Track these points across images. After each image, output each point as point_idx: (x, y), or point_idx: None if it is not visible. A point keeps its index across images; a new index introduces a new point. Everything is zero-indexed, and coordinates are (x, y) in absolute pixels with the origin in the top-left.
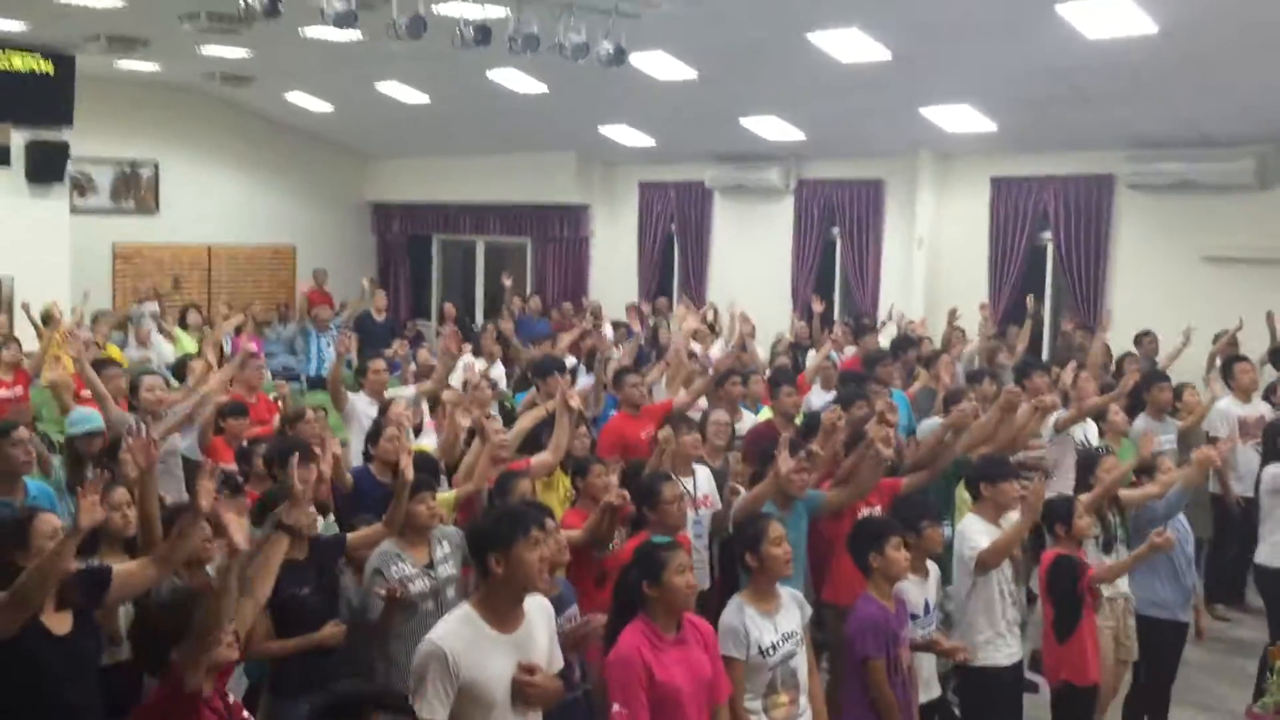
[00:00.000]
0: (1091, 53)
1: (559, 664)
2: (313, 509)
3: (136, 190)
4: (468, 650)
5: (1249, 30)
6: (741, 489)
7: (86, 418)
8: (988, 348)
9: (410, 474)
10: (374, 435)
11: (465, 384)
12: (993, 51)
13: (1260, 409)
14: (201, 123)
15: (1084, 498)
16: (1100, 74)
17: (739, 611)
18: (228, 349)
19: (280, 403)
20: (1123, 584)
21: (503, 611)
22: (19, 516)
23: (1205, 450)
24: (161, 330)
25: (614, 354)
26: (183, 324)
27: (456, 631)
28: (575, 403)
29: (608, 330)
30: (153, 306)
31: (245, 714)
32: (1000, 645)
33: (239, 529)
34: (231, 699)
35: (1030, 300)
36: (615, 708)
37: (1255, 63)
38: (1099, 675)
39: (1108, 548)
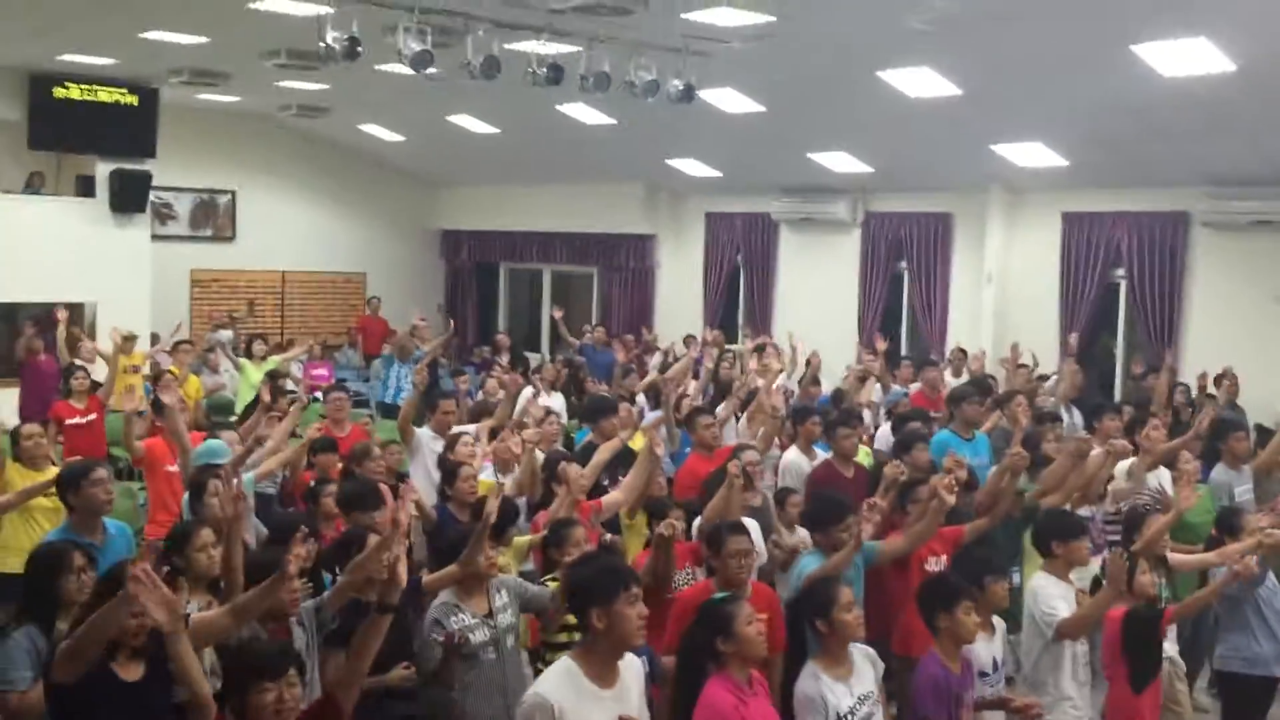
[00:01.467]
0: (1167, 90)
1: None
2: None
3: (214, 218)
4: (572, 703)
5: None
6: (790, 538)
7: (213, 451)
8: (1028, 389)
9: (494, 516)
10: (450, 474)
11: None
12: (1065, 88)
13: None
14: (278, 152)
15: (1134, 550)
16: (1175, 111)
17: (815, 680)
18: (298, 374)
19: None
20: (1169, 647)
21: (602, 666)
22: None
23: (1276, 533)
24: (228, 356)
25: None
26: (248, 353)
27: (561, 684)
28: (661, 450)
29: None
30: (228, 334)
31: None
32: (1068, 709)
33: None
34: None
35: (1072, 339)
36: None
37: None
38: None
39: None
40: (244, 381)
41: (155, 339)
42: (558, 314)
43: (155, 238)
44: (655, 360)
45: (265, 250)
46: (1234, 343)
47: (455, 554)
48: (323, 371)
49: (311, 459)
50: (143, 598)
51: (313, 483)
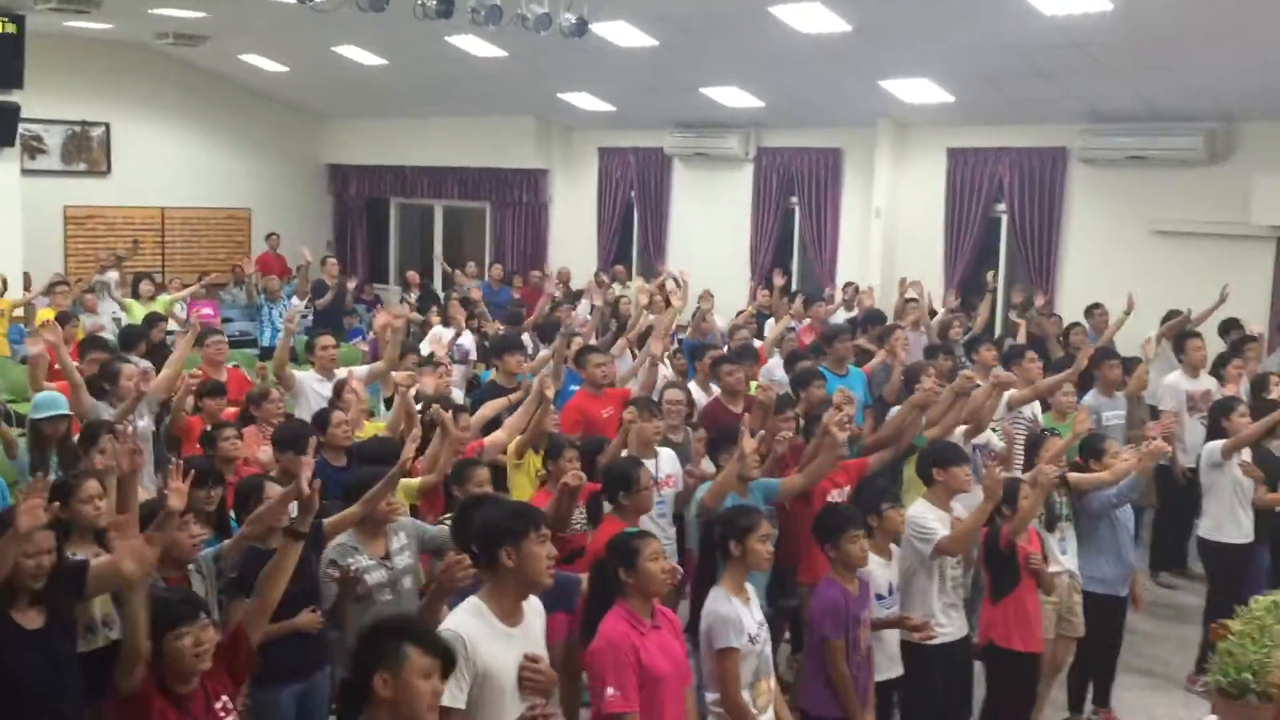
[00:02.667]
0: (1048, 28)
1: (547, 657)
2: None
3: (88, 151)
4: (483, 640)
5: (1201, 8)
6: (705, 467)
7: (51, 402)
8: (942, 321)
9: (409, 464)
10: (322, 420)
11: (432, 356)
12: (952, 26)
13: (1207, 384)
14: (154, 83)
15: (1025, 478)
16: (1056, 49)
17: (728, 601)
18: (182, 315)
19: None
20: (1069, 562)
21: (509, 605)
22: None
23: (1158, 444)
24: (112, 298)
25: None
26: (134, 293)
27: (471, 623)
28: (550, 393)
29: (584, 307)
30: (114, 275)
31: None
32: (933, 625)
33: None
34: (223, 700)
35: (990, 276)
36: (610, 691)
37: (1206, 40)
38: (1038, 647)
39: (1050, 526)
40: (130, 321)
41: (28, 280)
42: (438, 256)
43: (25, 173)
44: (583, 307)
45: (143, 185)
46: (1108, 276)
47: (354, 499)
48: (208, 311)
49: (199, 403)
50: (119, 546)
51: (209, 427)
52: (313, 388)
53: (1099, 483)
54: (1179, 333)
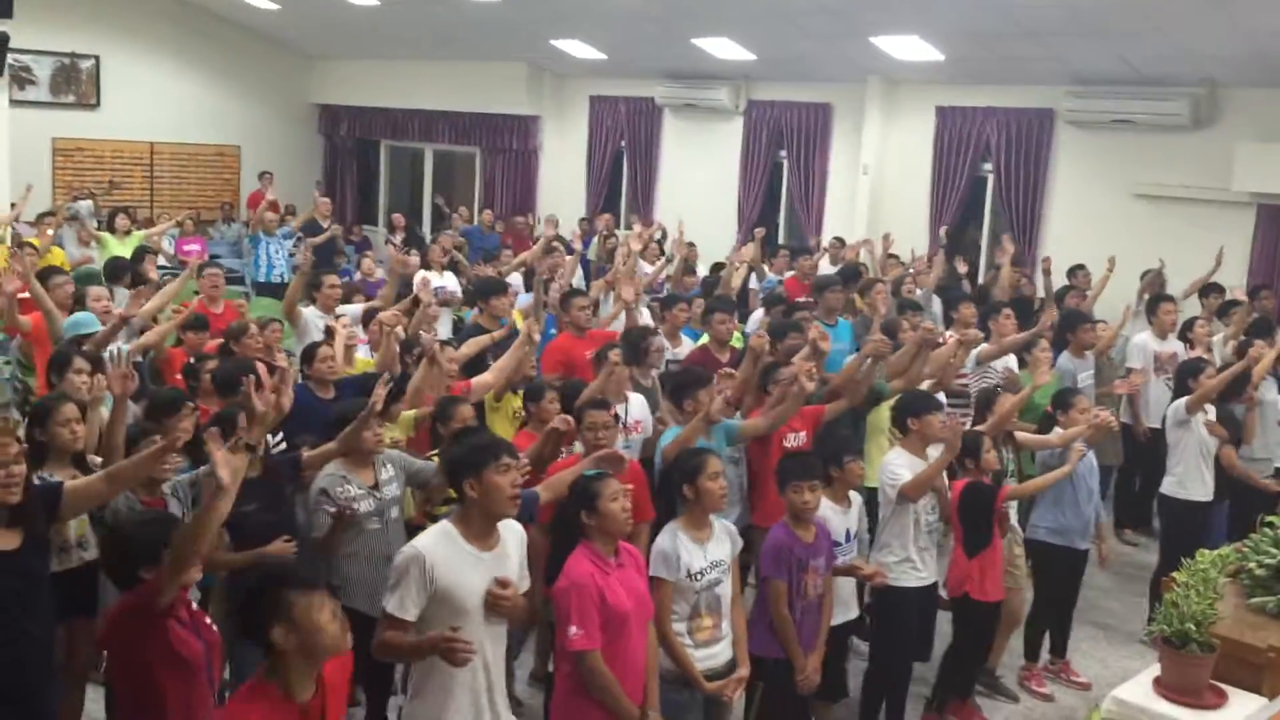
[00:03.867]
0: None
1: (527, 585)
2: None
3: (77, 84)
4: (446, 560)
5: None
6: (669, 419)
7: (85, 321)
8: (895, 280)
9: (380, 403)
10: (309, 355)
11: (416, 299)
12: None
13: (1174, 346)
14: (145, 16)
15: (982, 429)
16: (1044, 10)
17: (672, 536)
18: (170, 250)
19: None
20: (1011, 516)
21: (479, 531)
22: None
23: (1106, 415)
24: (90, 233)
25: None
26: (110, 227)
27: (437, 542)
28: (536, 335)
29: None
30: (88, 204)
31: (207, 621)
32: (909, 569)
33: (225, 467)
34: (194, 606)
35: (943, 232)
36: (573, 630)
37: (1194, 5)
38: (1001, 594)
39: (997, 481)
40: (104, 256)
41: (17, 211)
42: (440, 201)
43: (13, 103)
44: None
45: (132, 119)
46: (1090, 237)
47: (335, 431)
48: (195, 247)
49: (181, 336)
50: (217, 459)
51: (192, 359)
52: (315, 324)
53: (1044, 444)
54: (1153, 296)
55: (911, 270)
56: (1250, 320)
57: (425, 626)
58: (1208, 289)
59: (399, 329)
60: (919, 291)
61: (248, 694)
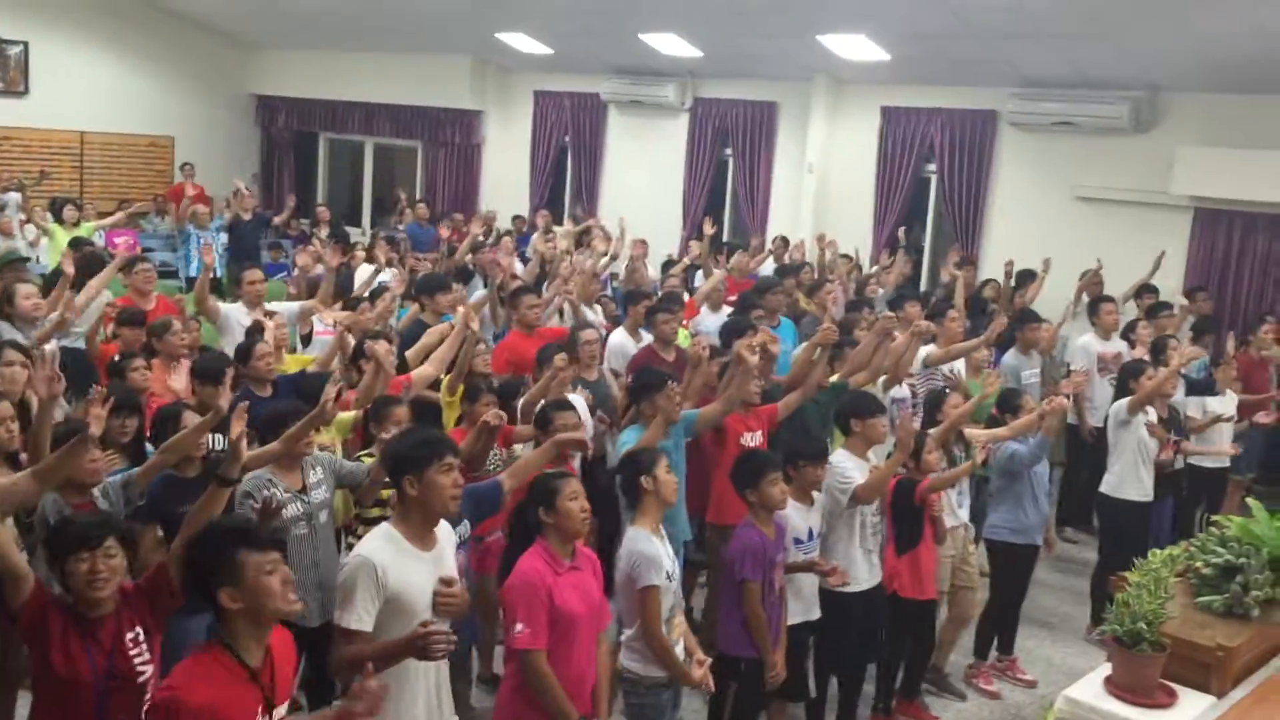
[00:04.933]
0: None
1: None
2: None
3: (4, 70)
4: (393, 563)
5: None
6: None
7: None
8: (859, 280)
9: (332, 405)
10: (245, 354)
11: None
12: None
13: (1118, 346)
14: (75, 2)
15: (933, 432)
16: (991, 11)
17: (649, 541)
18: (101, 243)
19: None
20: (963, 514)
21: (420, 531)
22: None
23: (1059, 401)
24: (31, 222)
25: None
26: (58, 218)
27: (382, 547)
28: (475, 325)
29: (516, 263)
30: (15, 196)
31: (134, 652)
32: (854, 572)
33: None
34: (136, 632)
35: (902, 232)
36: (519, 628)
37: (1138, 10)
38: (934, 593)
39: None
40: (53, 248)
41: None
42: (402, 193)
43: None
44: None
45: (62, 108)
46: (1032, 239)
47: (272, 430)
48: (126, 239)
49: (116, 331)
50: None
51: (118, 356)
52: (239, 321)
53: (995, 437)
54: (1094, 297)
55: (875, 269)
56: (1186, 322)
57: (376, 633)
58: (1141, 290)
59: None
60: (880, 291)
61: (197, 656)
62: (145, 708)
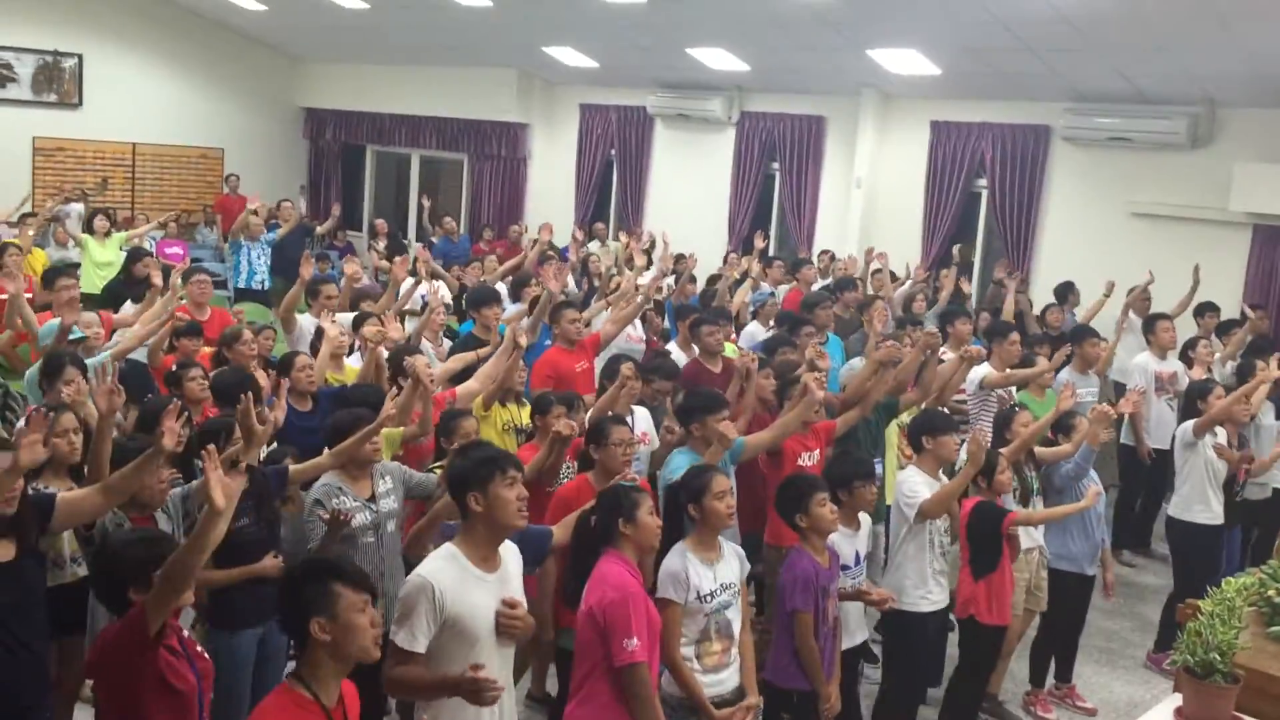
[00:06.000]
0: (1038, 4)
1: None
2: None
3: (59, 82)
4: (454, 586)
5: None
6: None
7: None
8: (907, 294)
9: (392, 416)
10: (287, 364)
11: (426, 307)
12: None
13: (1175, 366)
14: (129, 15)
15: (1003, 452)
16: (1044, 25)
17: (681, 557)
18: (153, 253)
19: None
20: (1038, 537)
21: (484, 550)
22: None
23: (1104, 407)
24: (71, 235)
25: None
26: (89, 229)
27: (444, 568)
28: (524, 341)
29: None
30: (78, 207)
31: (199, 649)
32: (924, 593)
33: (220, 489)
34: (185, 633)
35: (956, 250)
36: (633, 642)
37: (1194, 25)
38: (1009, 619)
39: (1024, 501)
40: (86, 259)
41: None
42: (427, 202)
43: None
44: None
45: (115, 120)
46: (1085, 256)
47: (325, 442)
48: (177, 250)
49: (174, 343)
50: (210, 480)
51: (175, 366)
52: (312, 331)
53: (1062, 455)
54: (1149, 316)
55: (916, 286)
56: (1247, 340)
57: (437, 654)
58: (1202, 308)
59: (383, 344)
60: (927, 309)
61: (275, 695)
62: None
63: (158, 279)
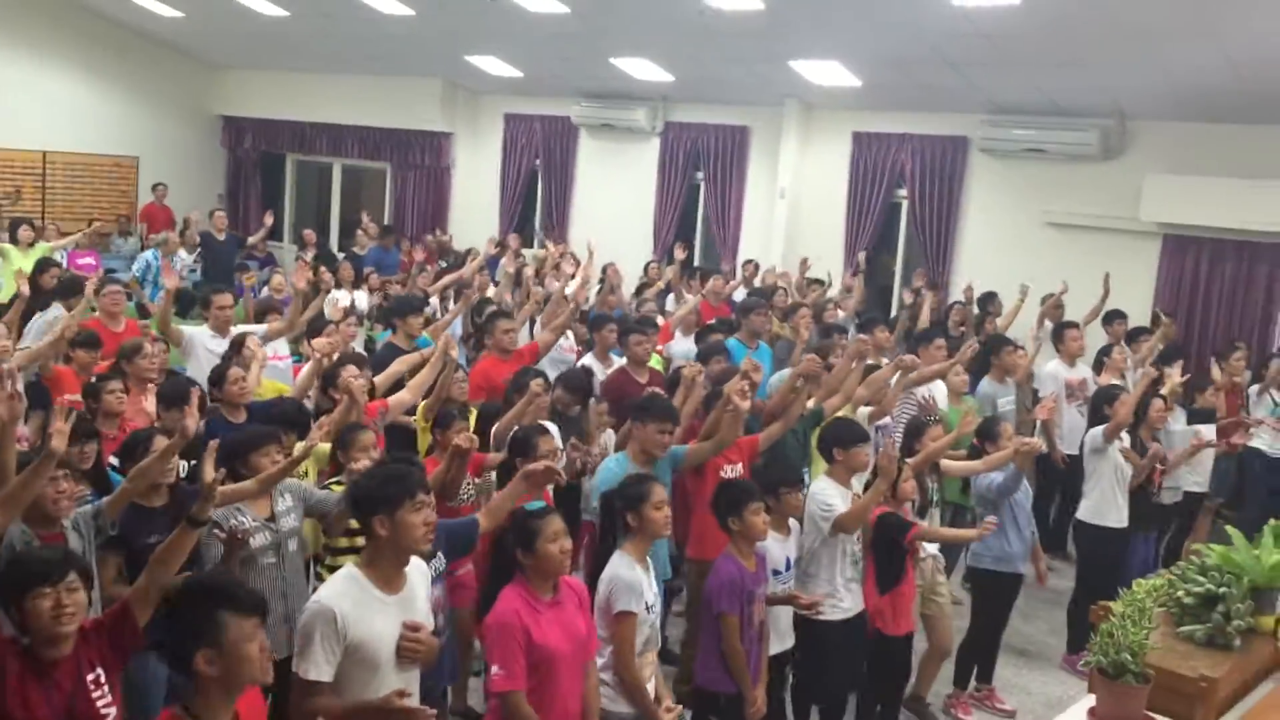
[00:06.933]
0: (956, 17)
1: (431, 624)
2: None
3: None
4: (355, 609)
5: (1104, 8)
6: (605, 440)
7: None
8: (817, 304)
9: (318, 445)
10: (218, 378)
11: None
12: (863, 10)
13: (1084, 373)
14: (38, 19)
15: (909, 462)
16: (962, 39)
17: (630, 568)
18: (64, 264)
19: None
20: (932, 547)
21: (388, 573)
22: None
23: (1034, 442)
24: None
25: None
26: (13, 239)
27: (344, 591)
28: (454, 352)
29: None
30: None
31: (97, 695)
32: (836, 601)
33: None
34: (97, 673)
35: (861, 257)
36: (495, 669)
37: (1108, 39)
38: (911, 626)
39: (922, 512)
40: (6, 270)
41: None
42: (366, 217)
43: None
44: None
45: (24, 127)
46: (1002, 264)
47: (240, 457)
48: (89, 260)
49: (70, 354)
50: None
51: (93, 379)
52: (205, 345)
53: (967, 470)
54: (1058, 324)
55: (835, 296)
56: (1158, 348)
57: (338, 682)
58: (1110, 316)
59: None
60: (841, 315)
61: None
62: None
63: (25, 290)
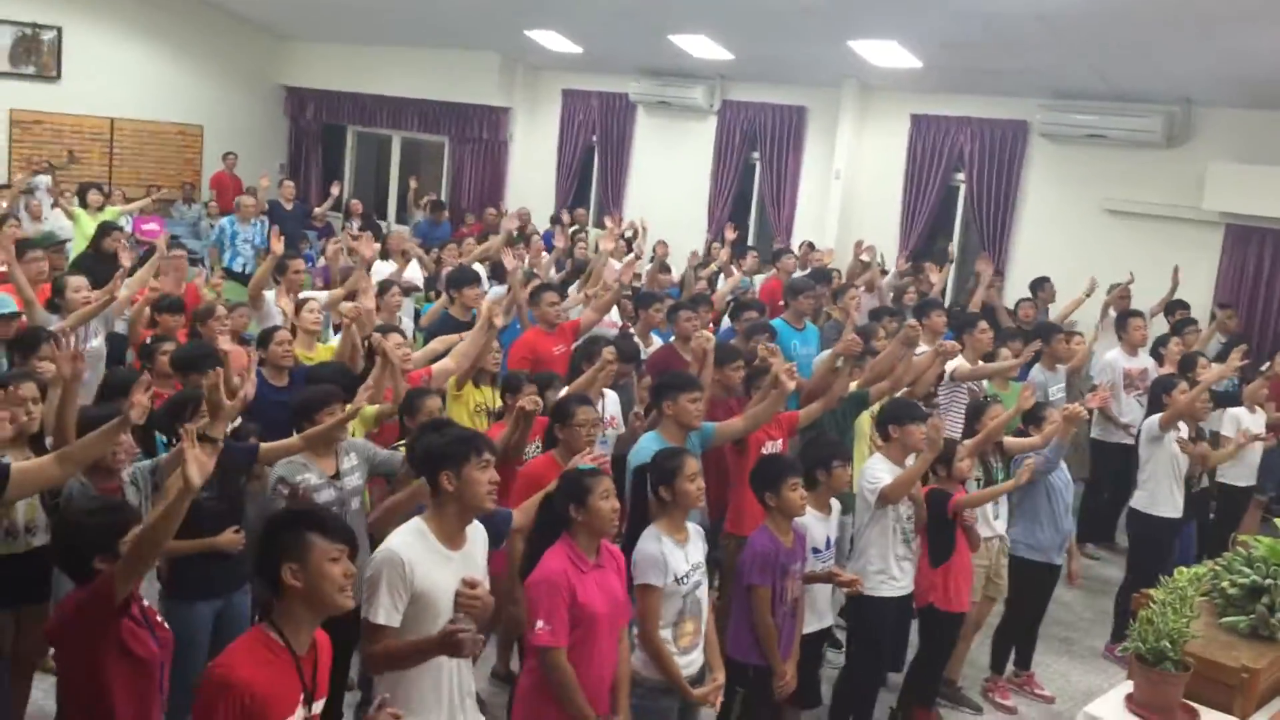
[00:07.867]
0: (1015, 2)
1: (488, 583)
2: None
3: (37, 55)
4: (421, 560)
5: None
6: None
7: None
8: (897, 286)
9: (362, 404)
10: (265, 339)
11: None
12: None
13: (1145, 362)
14: None
15: (967, 442)
16: (1023, 22)
17: (657, 541)
18: (128, 229)
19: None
20: (999, 526)
21: (450, 529)
22: None
23: (1076, 407)
24: (58, 205)
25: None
26: (82, 202)
27: (411, 543)
28: (500, 321)
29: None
30: (46, 179)
31: (159, 619)
32: (887, 579)
33: (195, 466)
34: (146, 603)
35: (952, 248)
36: (540, 624)
37: (1171, 24)
38: (966, 605)
39: None
40: (78, 232)
41: None
42: (414, 184)
43: None
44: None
45: (93, 94)
46: (1059, 251)
47: (293, 420)
48: (154, 226)
49: (156, 317)
50: (188, 457)
51: (149, 340)
52: (278, 309)
53: (1030, 446)
54: (1122, 312)
55: (911, 279)
56: (1213, 338)
57: (400, 630)
58: (1172, 306)
59: (358, 321)
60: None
61: (248, 635)
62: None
63: (125, 260)
